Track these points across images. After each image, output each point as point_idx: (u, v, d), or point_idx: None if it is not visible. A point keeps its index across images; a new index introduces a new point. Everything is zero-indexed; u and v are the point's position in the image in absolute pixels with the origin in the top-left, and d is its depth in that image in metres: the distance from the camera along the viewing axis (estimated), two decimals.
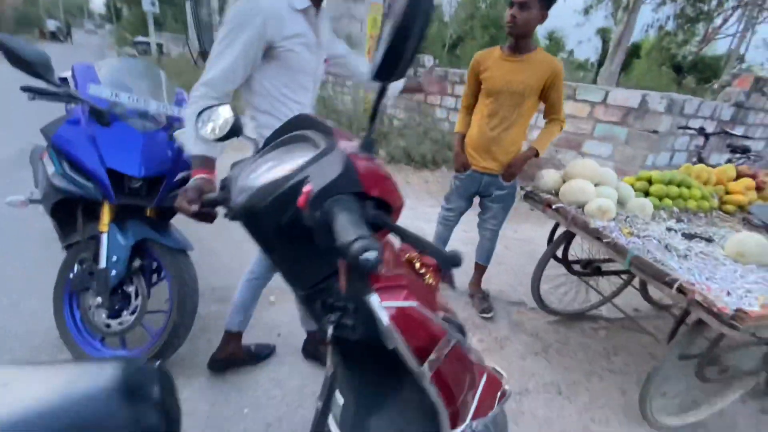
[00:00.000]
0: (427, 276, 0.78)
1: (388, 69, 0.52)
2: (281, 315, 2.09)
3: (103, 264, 1.43)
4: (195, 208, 0.94)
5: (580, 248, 2.29)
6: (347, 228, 0.48)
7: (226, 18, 1.11)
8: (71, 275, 1.52)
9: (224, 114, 0.94)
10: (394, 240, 0.83)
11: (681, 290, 1.26)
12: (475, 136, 2.06)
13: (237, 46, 1.10)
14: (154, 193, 1.44)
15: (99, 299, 1.45)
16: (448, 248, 0.60)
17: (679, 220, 1.81)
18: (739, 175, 2.19)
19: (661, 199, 1.96)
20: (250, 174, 0.71)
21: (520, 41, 1.87)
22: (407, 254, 0.81)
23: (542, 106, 2.02)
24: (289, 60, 1.19)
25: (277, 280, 1.66)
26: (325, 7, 1.28)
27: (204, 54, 8.35)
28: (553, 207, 1.82)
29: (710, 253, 1.48)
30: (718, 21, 13.86)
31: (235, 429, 1.44)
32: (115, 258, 1.43)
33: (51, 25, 27.33)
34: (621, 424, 1.70)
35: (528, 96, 1.91)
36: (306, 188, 0.53)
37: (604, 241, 1.54)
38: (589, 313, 2.45)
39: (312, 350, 1.77)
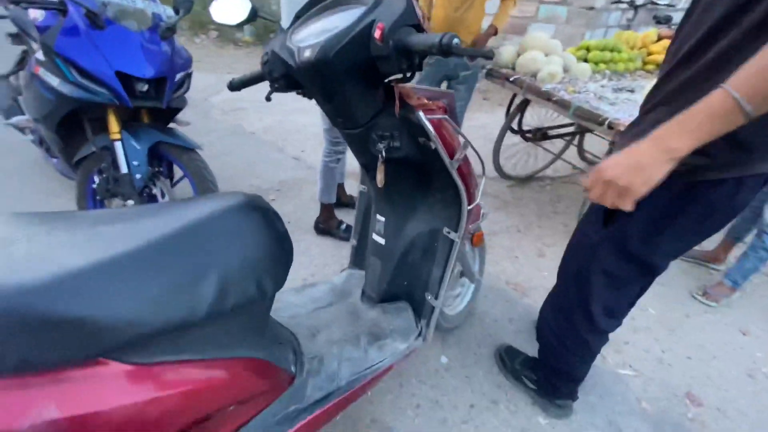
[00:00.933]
0: (438, 113, 1.05)
1: None
2: (283, 207, 2.34)
3: (124, 169, 1.54)
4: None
5: (531, 119, 2.66)
6: (426, 38, 0.69)
7: None
8: (93, 186, 1.63)
9: (246, 3, 1.06)
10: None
11: (610, 126, 1.66)
12: (440, 18, 2.15)
13: None
14: (159, 95, 1.52)
15: (130, 202, 1.60)
16: None
17: (610, 80, 2.18)
18: (660, 38, 2.56)
19: (597, 63, 2.30)
20: (303, 39, 0.88)
21: None
22: (420, 99, 1.06)
23: None
24: None
25: (272, 181, 1.86)
26: None
27: None
28: (511, 79, 2.10)
29: (632, 99, 1.88)
30: None
31: None
32: (135, 162, 1.55)
33: None
34: (563, 244, 2.25)
35: None
36: (379, 25, 0.73)
37: (553, 99, 1.88)
38: (538, 176, 2.94)
39: (324, 227, 2.08)
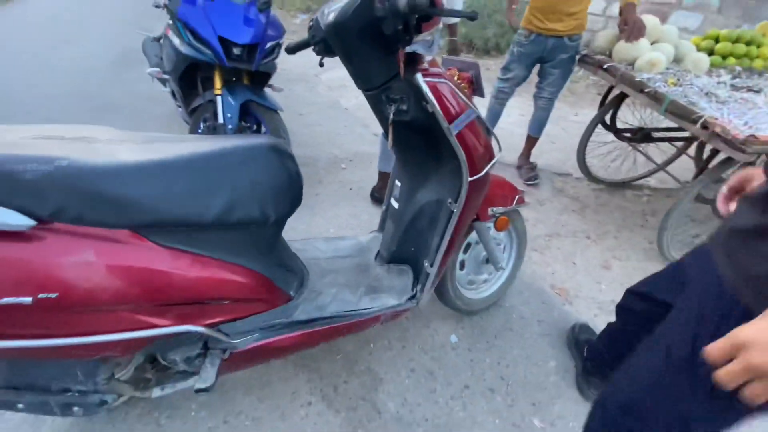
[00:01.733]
0: (463, 85, 1.06)
1: None
2: (351, 176, 2.53)
3: (221, 120, 1.88)
4: None
5: (633, 117, 2.34)
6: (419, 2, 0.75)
7: None
8: (199, 131, 2.02)
9: None
10: (440, 64, 1.11)
11: (705, 126, 1.40)
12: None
13: None
14: (251, 59, 1.80)
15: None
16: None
17: (736, 77, 1.81)
18: None
19: (725, 57, 1.92)
20: (333, 5, 0.99)
21: None
22: (450, 71, 1.08)
23: None
24: None
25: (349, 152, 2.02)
26: None
27: None
28: (604, 66, 1.89)
29: (751, 100, 1.54)
30: None
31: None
32: (229, 115, 1.87)
33: None
34: (639, 261, 1.98)
35: None
36: None
37: (645, 90, 1.65)
38: (634, 183, 2.58)
39: (378, 195, 2.21)
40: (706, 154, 2.56)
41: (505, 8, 2.25)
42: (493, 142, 1.08)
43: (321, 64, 1.20)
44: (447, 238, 1.09)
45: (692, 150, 2.43)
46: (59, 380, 0.90)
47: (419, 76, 0.90)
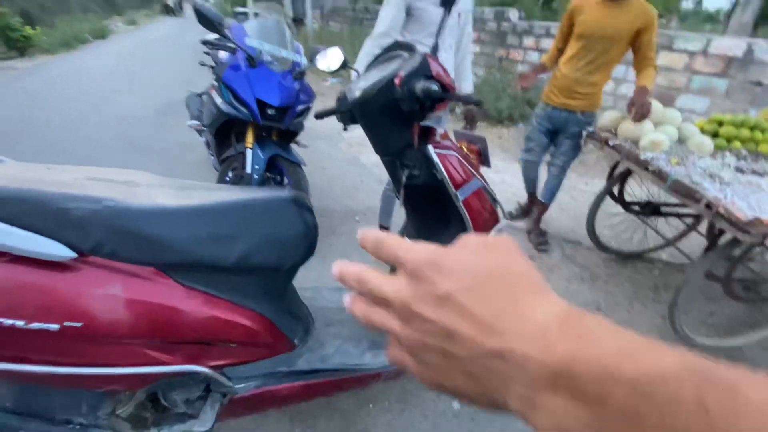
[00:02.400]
0: (472, 157, 1.15)
1: None
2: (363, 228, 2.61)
3: (248, 170, 2.03)
4: None
5: (641, 190, 2.41)
6: (420, 84, 0.87)
7: None
8: (227, 179, 2.17)
9: (336, 54, 1.38)
10: (452, 137, 1.22)
11: (708, 206, 1.45)
12: (560, 76, 2.22)
13: (390, 10, 1.68)
14: (283, 119, 1.99)
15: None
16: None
17: (741, 159, 1.88)
18: None
19: (730, 141, 2.00)
20: (360, 84, 1.14)
21: None
22: (461, 143, 1.19)
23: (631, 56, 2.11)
24: (419, 15, 1.68)
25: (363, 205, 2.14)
26: None
27: (296, 20, 9.13)
28: (610, 144, 2.00)
29: (755, 183, 1.59)
30: None
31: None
32: (257, 166, 2.02)
33: (170, 1, 31.36)
34: (652, 337, 1.91)
35: (617, 41, 2.02)
36: (399, 74, 0.93)
37: (650, 169, 1.73)
38: (646, 255, 2.57)
39: None
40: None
41: (517, 78, 2.47)
42: (499, 210, 1.15)
43: (345, 129, 1.33)
44: None
45: (704, 225, 2.45)
46: (64, 411, 0.92)
47: (430, 148, 1.00)
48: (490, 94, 5.10)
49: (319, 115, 1.37)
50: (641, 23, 1.96)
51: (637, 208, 2.35)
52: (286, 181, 2.14)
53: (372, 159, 3.98)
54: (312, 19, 9.85)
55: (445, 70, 0.98)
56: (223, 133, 2.19)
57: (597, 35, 2.04)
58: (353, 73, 1.43)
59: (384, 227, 2.23)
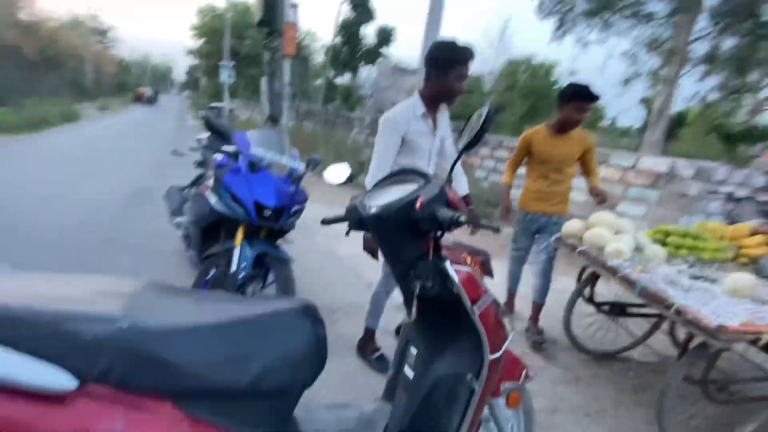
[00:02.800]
0: (475, 267, 1.23)
1: (471, 146, 1.07)
2: (344, 329, 2.52)
3: (234, 268, 1.98)
4: None
5: (607, 290, 2.59)
6: (448, 212, 0.97)
7: (381, 124, 1.87)
8: (207, 277, 2.09)
9: (344, 169, 1.52)
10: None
11: (678, 312, 1.59)
12: (533, 189, 2.64)
13: (387, 142, 1.84)
14: (278, 219, 2.03)
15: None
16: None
17: (691, 266, 2.12)
18: (755, 233, 2.45)
19: (677, 248, 2.28)
20: (375, 199, 1.22)
21: (568, 128, 2.48)
22: (463, 254, 1.27)
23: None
24: (411, 145, 1.88)
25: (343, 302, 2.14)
26: (444, 108, 1.95)
27: (272, 118, 9.82)
28: (578, 250, 2.21)
29: (710, 290, 1.79)
30: (760, 94, 13.87)
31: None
32: (243, 264, 1.99)
33: (147, 91, 32.80)
34: None
35: (569, 162, 2.56)
36: (420, 199, 1.03)
37: (619, 275, 1.90)
38: (622, 356, 2.66)
39: (362, 352, 2.25)
40: (683, 334, 2.74)
41: (503, 211, 2.90)
42: (506, 322, 1.20)
43: (347, 234, 1.39)
44: (469, 417, 1.09)
45: (666, 324, 2.61)
46: None
47: (448, 264, 1.06)
48: (483, 200, 5.53)
49: (327, 222, 1.44)
50: (584, 147, 2.54)
51: (606, 308, 2.50)
52: (271, 279, 2.10)
53: (349, 251, 4.02)
54: (288, 118, 10.65)
55: (458, 197, 1.10)
56: (209, 230, 2.18)
57: (554, 160, 2.53)
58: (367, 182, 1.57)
59: (370, 330, 2.19)
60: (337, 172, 1.53)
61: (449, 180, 1.18)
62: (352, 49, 18.10)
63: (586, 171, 2.64)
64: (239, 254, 1.99)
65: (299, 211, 2.17)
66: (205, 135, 3.03)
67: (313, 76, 22.44)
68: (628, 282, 1.86)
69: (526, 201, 2.67)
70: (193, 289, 1.05)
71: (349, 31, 17.55)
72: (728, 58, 11.38)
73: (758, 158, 4.63)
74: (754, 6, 9.98)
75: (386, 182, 1.32)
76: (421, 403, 1.20)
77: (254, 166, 1.97)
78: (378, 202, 1.17)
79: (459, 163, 2.28)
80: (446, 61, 1.71)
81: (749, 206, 3.71)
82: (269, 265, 2.09)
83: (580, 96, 2.36)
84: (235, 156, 2.02)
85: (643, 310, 2.49)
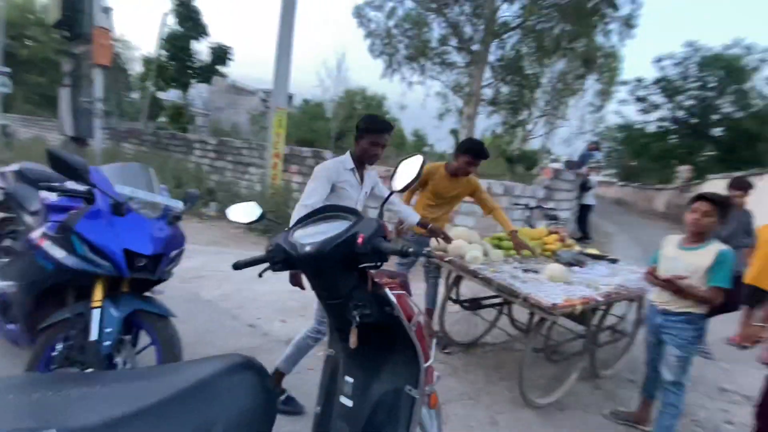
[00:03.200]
0: (396, 289, 1.39)
1: (403, 190, 1.23)
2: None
3: (94, 336, 1.59)
4: None
5: (468, 290, 3.14)
6: (393, 246, 1.09)
7: (315, 171, 2.03)
8: (52, 353, 1.62)
9: (252, 208, 1.48)
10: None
11: (525, 299, 2.10)
12: (421, 214, 2.86)
13: (320, 185, 1.97)
14: (155, 268, 1.73)
15: (90, 371, 1.59)
16: None
17: (520, 263, 2.80)
18: (551, 233, 3.41)
19: (508, 250, 2.97)
20: (305, 237, 1.24)
21: (459, 175, 2.83)
22: (384, 278, 1.41)
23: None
24: (341, 193, 2.03)
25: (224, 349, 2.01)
26: (370, 167, 2.18)
27: (77, 140, 7.96)
28: (446, 259, 2.63)
29: (538, 278, 2.43)
30: (529, 127, 19.10)
31: None
32: (108, 329, 1.62)
33: None
34: (512, 411, 2.39)
35: (458, 198, 2.99)
36: (361, 235, 1.11)
37: (480, 276, 2.36)
38: (481, 342, 3.24)
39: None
40: (516, 315, 3.51)
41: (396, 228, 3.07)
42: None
43: (260, 275, 1.36)
44: (415, 425, 1.20)
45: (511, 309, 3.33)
46: None
47: (388, 291, 1.18)
48: None
49: (241, 266, 1.35)
50: (472, 188, 2.94)
51: (467, 304, 3.02)
52: (149, 341, 1.78)
53: (216, 293, 3.64)
54: (101, 140, 8.80)
55: (390, 231, 1.24)
56: (45, 294, 1.70)
57: (446, 195, 2.92)
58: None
59: (281, 373, 2.06)
60: (245, 212, 1.46)
61: (381, 215, 1.31)
62: (182, 64, 16.37)
63: (483, 206, 3.01)
64: (100, 317, 1.62)
65: (178, 256, 1.91)
66: (9, 168, 2.34)
67: (128, 90, 19.23)
68: (487, 281, 2.33)
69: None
70: (94, 373, 0.84)
71: (177, 45, 15.86)
72: (506, 101, 15.29)
73: (539, 176, 6.31)
74: (519, 62, 13.72)
75: (310, 220, 1.35)
76: (365, 426, 1.25)
77: (119, 207, 1.65)
78: (311, 239, 1.19)
79: (400, 198, 2.51)
80: (364, 129, 2.04)
81: (538, 213, 5.06)
82: (141, 324, 1.76)
83: (471, 152, 2.78)
84: (87, 197, 1.65)
85: (492, 301, 3.12)
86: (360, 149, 2.05)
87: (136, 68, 20.24)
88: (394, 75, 13.92)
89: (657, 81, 18.58)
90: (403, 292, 1.26)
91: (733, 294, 2.15)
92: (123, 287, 1.82)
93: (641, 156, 20.87)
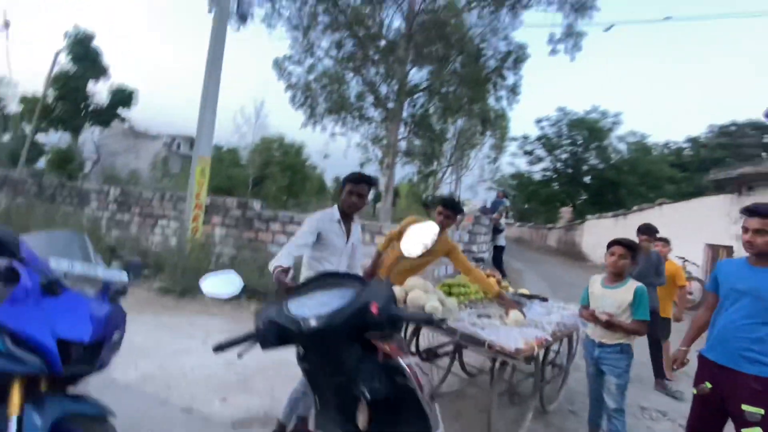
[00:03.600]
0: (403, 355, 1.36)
1: None
2: None
3: None
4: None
5: (424, 342, 3.17)
6: (415, 313, 1.08)
7: (305, 221, 2.30)
8: None
9: (233, 279, 1.36)
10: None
11: (490, 346, 2.21)
12: (387, 266, 2.98)
13: (308, 232, 2.20)
14: (94, 358, 1.43)
15: None
16: None
17: (470, 308, 2.95)
18: (489, 276, 3.67)
19: (458, 296, 3.12)
20: (304, 309, 1.16)
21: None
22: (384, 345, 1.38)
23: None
24: (327, 242, 2.22)
25: None
26: (355, 219, 2.41)
27: None
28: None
29: (493, 323, 2.58)
30: (440, 175, 20.92)
31: None
32: None
33: None
34: None
35: (433, 258, 3.04)
36: (374, 304, 1.08)
37: (443, 327, 2.43)
38: (440, 392, 3.23)
39: None
40: (466, 359, 3.61)
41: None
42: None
43: (240, 356, 1.24)
44: None
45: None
46: None
47: (401, 360, 1.15)
48: (252, 272, 5.28)
49: (223, 347, 1.22)
50: (448, 248, 2.89)
51: (424, 355, 3.04)
52: None
53: (133, 375, 3.09)
54: None
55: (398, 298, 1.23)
56: None
57: (415, 261, 2.92)
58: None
59: (282, 424, 1.82)
60: (223, 283, 1.32)
61: (388, 281, 1.30)
62: (73, 105, 14.56)
63: (461, 268, 2.96)
64: (21, 429, 1.27)
65: (120, 340, 1.61)
66: None
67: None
68: (451, 332, 2.40)
69: (384, 273, 3.01)
70: None
71: (68, 84, 14.16)
72: (419, 153, 16.65)
73: (463, 222, 6.84)
74: (428, 119, 15.18)
75: (302, 291, 1.29)
76: None
77: (53, 285, 1.35)
78: (315, 312, 1.13)
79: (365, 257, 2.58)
80: (345, 179, 2.32)
81: (468, 256, 5.44)
82: (72, 429, 1.41)
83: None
84: (8, 275, 1.33)
85: (445, 349, 3.18)
86: (341, 199, 2.26)
87: (13, 108, 17.53)
88: (316, 126, 14.25)
89: (539, 138, 22.11)
90: (413, 360, 1.24)
91: (652, 327, 2.56)
92: (42, 385, 1.47)
93: (531, 200, 24.10)
